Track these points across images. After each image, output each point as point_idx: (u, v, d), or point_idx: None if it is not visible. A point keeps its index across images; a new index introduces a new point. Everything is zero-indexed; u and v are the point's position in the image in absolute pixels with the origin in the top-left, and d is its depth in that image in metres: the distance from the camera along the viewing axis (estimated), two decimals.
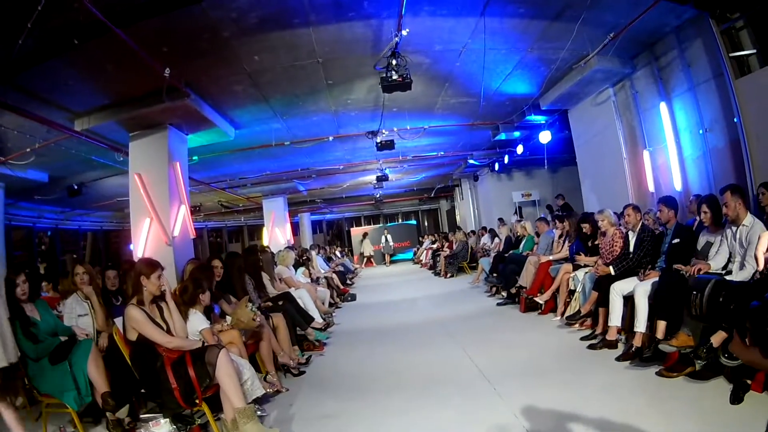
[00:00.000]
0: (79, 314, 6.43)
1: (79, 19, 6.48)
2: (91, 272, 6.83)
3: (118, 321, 5.46)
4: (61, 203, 18.76)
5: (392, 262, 31.06)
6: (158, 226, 10.18)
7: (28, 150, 11.02)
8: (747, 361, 3.98)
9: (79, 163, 13.66)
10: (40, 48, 7.20)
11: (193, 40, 8.00)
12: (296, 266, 13.23)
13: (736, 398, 4.42)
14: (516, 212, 21.29)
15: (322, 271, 16.25)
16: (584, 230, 9.21)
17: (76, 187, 15.73)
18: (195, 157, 13.60)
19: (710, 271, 5.64)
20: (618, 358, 6.26)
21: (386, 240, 31.25)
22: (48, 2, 5.74)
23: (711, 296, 4.90)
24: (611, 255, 7.92)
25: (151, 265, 5.29)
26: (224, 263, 8.02)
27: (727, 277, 5.36)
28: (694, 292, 5.04)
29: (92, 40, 7.12)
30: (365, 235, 33.37)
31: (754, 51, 7.56)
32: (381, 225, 37.70)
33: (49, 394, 5.37)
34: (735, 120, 7.88)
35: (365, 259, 32.15)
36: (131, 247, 10.84)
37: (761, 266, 2.65)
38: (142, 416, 5.40)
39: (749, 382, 4.52)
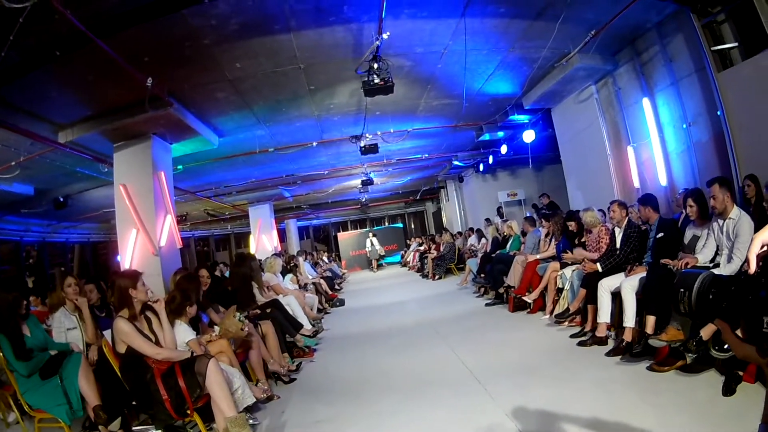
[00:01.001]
0: (67, 327, 6.37)
1: (61, 31, 6.48)
2: (80, 285, 6.79)
3: (107, 333, 5.42)
4: (47, 216, 18.65)
5: (379, 266, 30.14)
6: (145, 237, 10.16)
7: (12, 163, 10.95)
8: (742, 356, 3.98)
9: (65, 176, 13.61)
10: (23, 61, 7.17)
11: (175, 48, 7.99)
12: (284, 273, 13.16)
13: (729, 390, 4.43)
14: (498, 213, 21.26)
15: (310, 277, 16.20)
16: (570, 228, 9.23)
17: (62, 199, 15.65)
18: (180, 167, 13.58)
19: (698, 264, 5.66)
20: (608, 354, 6.28)
21: (372, 244, 30.14)
22: (29, 15, 5.70)
23: (700, 293, 4.91)
24: (598, 252, 7.95)
25: (132, 276, 5.26)
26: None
27: (715, 271, 5.36)
28: (682, 290, 5.04)
29: (74, 52, 7.12)
30: (374, 235, 32.52)
31: (736, 44, 7.60)
32: (367, 228, 37.30)
33: (41, 408, 5.35)
34: (718, 113, 7.94)
35: (374, 262, 30.30)
36: (119, 258, 10.78)
37: (753, 269, 2.66)
38: (134, 428, 5.36)
39: (741, 373, 4.54)
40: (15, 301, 5.76)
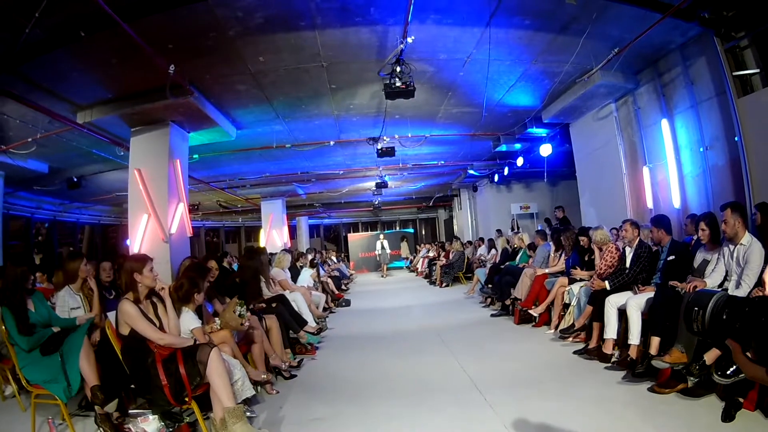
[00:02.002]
0: (71, 307, 6.39)
1: (86, 11, 6.50)
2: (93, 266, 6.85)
3: (111, 315, 5.44)
4: (60, 195, 18.71)
5: (388, 269, 28.81)
6: (156, 223, 10.19)
7: (29, 140, 10.99)
8: (752, 377, 3.99)
9: (80, 156, 13.67)
10: (47, 38, 7.19)
11: (199, 37, 8.00)
12: (292, 269, 13.10)
13: (728, 416, 4.42)
14: (512, 228, 21.16)
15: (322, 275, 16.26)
16: (582, 243, 9.21)
17: (75, 179, 15.73)
18: (195, 156, 13.60)
19: (706, 288, 5.64)
20: (611, 366, 6.42)
21: (382, 247, 28.25)
22: None
23: (714, 313, 4.90)
24: (607, 270, 7.95)
25: (141, 260, 5.27)
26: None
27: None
28: (696, 309, 5.03)
29: (98, 33, 7.11)
30: (403, 238, 32.45)
31: (758, 70, 7.53)
32: (378, 231, 37.09)
33: (38, 384, 5.36)
34: (736, 139, 7.87)
35: (383, 266, 27.99)
36: (128, 242, 10.81)
37: None
38: (130, 411, 5.35)
39: (741, 400, 4.53)
40: (23, 274, 5.79)
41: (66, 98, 9.67)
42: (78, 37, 7.04)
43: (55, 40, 7.31)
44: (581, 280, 8.68)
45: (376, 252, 28.97)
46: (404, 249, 32.10)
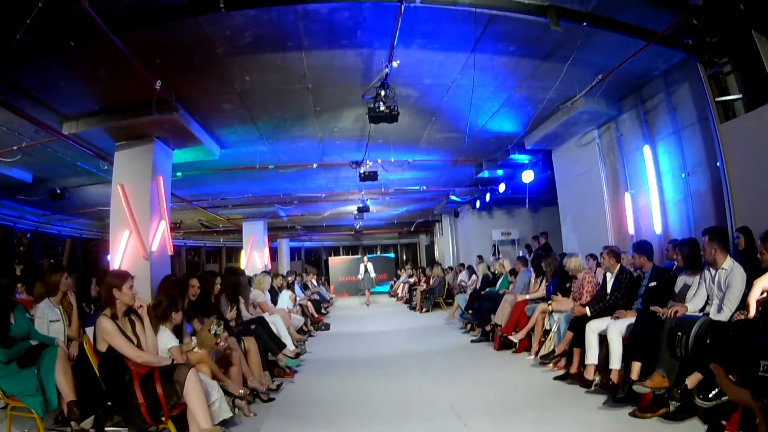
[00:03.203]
0: (51, 320, 6.34)
1: (76, 21, 6.48)
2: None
3: (89, 330, 5.38)
4: (43, 206, 18.48)
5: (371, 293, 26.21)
6: (137, 239, 10.09)
7: (15, 148, 10.87)
8: (736, 400, 4.01)
9: (64, 167, 13.51)
10: (36, 46, 7.12)
11: (187, 54, 8.01)
12: (272, 292, 13.00)
13: None
14: (493, 254, 21.16)
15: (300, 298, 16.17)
16: (565, 269, 9.22)
17: (59, 191, 15.64)
18: (179, 173, 13.56)
19: (687, 313, 5.67)
20: (592, 390, 6.51)
21: (366, 270, 25.32)
22: (48, 0, 5.73)
23: (697, 337, 4.92)
24: (582, 298, 8.02)
25: (121, 276, 5.24)
26: (201, 282, 7.94)
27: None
28: (680, 334, 5.06)
29: (88, 44, 7.06)
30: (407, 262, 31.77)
31: (741, 96, 7.58)
32: (359, 255, 36.87)
33: (14, 396, 5.29)
34: (718, 164, 7.92)
35: (367, 292, 25.35)
36: (109, 257, 10.71)
37: (752, 313, 2.71)
38: (107, 429, 5.30)
39: (724, 422, 4.54)
40: (8, 286, 5.73)
41: (53, 108, 9.58)
42: (68, 46, 6.99)
43: (45, 49, 7.23)
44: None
45: (359, 276, 26.24)
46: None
